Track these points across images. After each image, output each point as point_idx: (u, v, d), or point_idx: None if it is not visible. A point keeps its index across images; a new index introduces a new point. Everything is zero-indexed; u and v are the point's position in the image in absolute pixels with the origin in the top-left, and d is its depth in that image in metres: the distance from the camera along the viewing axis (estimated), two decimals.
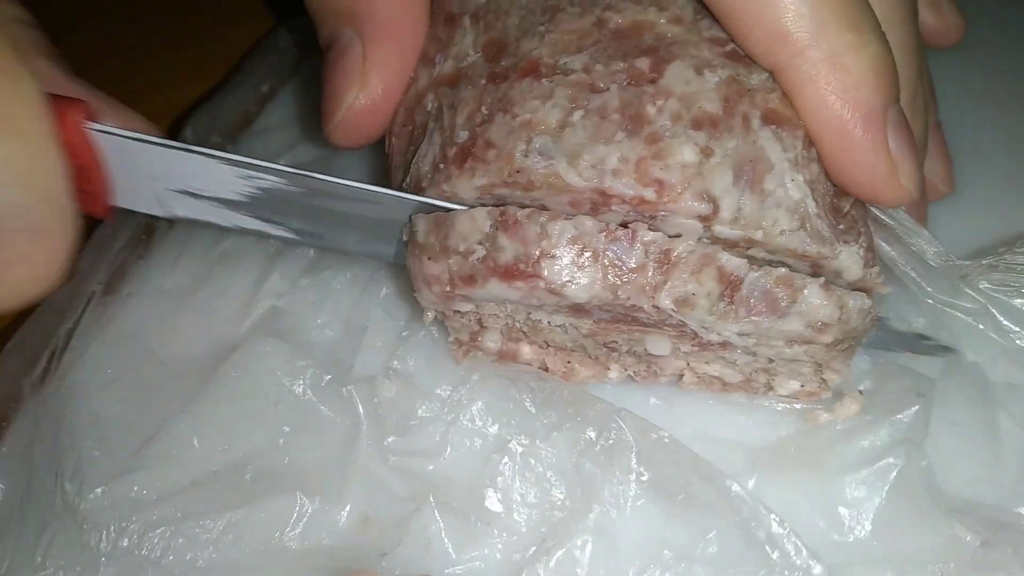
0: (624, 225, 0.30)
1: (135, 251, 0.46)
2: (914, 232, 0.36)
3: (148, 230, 0.47)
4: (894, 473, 0.33)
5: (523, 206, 0.32)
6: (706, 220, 0.30)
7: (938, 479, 0.34)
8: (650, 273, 0.30)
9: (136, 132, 0.33)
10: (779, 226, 0.30)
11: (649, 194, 0.29)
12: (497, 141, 0.31)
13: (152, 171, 0.33)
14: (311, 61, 0.56)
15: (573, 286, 0.30)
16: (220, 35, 0.64)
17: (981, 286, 0.37)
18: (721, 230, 0.30)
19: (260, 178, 0.34)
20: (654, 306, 0.30)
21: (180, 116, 0.57)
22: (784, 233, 0.30)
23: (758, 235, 0.30)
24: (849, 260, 0.31)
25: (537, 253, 0.30)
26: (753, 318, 0.30)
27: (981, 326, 0.37)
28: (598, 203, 0.31)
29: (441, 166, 0.32)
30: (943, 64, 0.46)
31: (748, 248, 0.31)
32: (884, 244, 0.37)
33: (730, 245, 0.31)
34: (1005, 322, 0.37)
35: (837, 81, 0.29)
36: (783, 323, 0.31)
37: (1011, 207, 0.45)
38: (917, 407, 0.34)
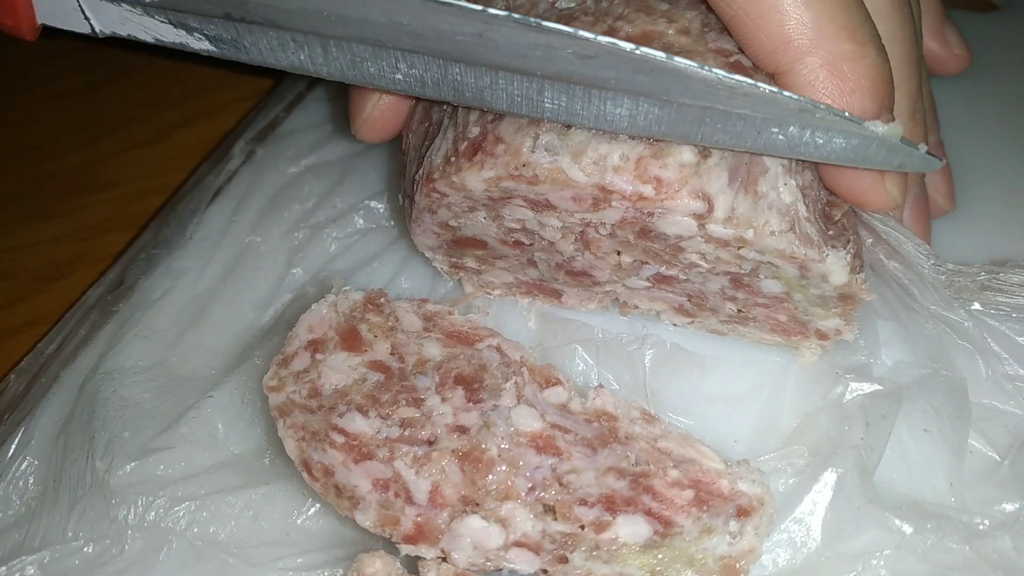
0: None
1: (169, 248, 0.48)
2: (906, 238, 0.37)
3: (182, 229, 0.49)
4: (834, 480, 0.34)
5: (528, 199, 0.33)
6: (701, 218, 0.31)
7: (890, 479, 0.35)
8: None
9: None
10: (769, 227, 0.31)
11: (648, 190, 0.31)
12: (506, 137, 0.32)
13: None
14: None
15: None
16: None
17: (973, 308, 0.38)
18: (714, 229, 0.32)
19: None
20: None
21: (224, 114, 0.60)
22: (774, 234, 0.31)
23: (749, 234, 0.31)
24: (836, 265, 0.32)
25: None
26: None
27: (970, 346, 0.38)
28: (599, 199, 0.32)
29: (452, 159, 0.34)
30: (945, 88, 0.47)
31: (739, 248, 0.32)
32: (883, 256, 0.38)
33: (722, 245, 0.33)
34: (995, 347, 0.38)
35: (834, 87, 0.31)
36: None
37: (1012, 226, 0.46)
38: (858, 417, 0.36)
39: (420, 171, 0.36)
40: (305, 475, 0.33)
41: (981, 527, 0.33)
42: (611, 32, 0.33)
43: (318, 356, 0.35)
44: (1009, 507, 0.35)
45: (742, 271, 0.34)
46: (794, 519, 0.34)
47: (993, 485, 0.35)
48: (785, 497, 0.34)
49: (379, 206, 0.49)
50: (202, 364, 0.42)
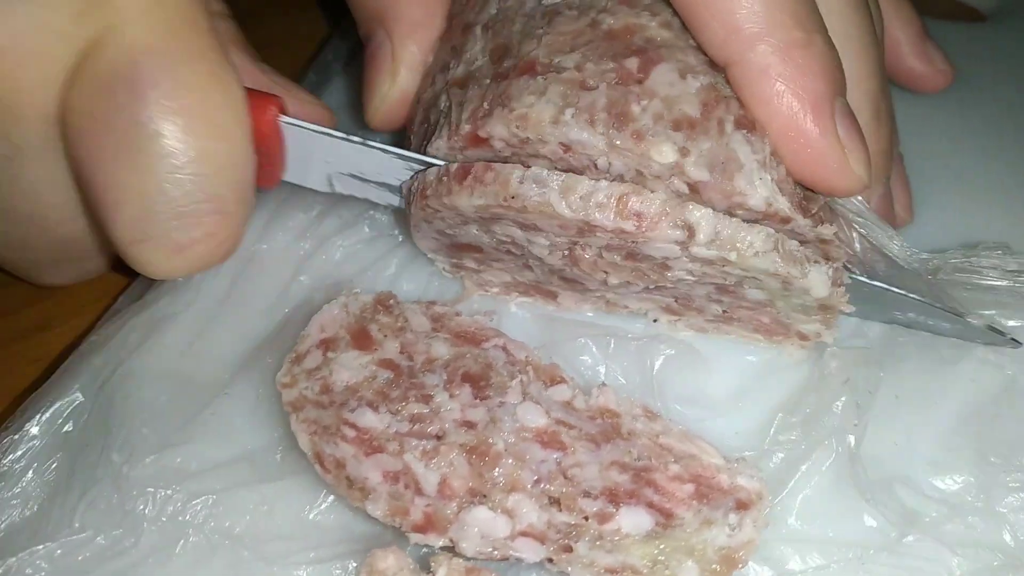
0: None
1: None
2: (881, 228, 0.38)
3: None
4: (827, 463, 0.36)
5: (516, 221, 0.35)
6: (683, 244, 0.33)
7: (869, 456, 0.36)
8: None
9: (320, 125, 0.35)
10: (753, 248, 0.33)
11: (628, 226, 0.33)
12: (496, 164, 0.34)
13: (328, 157, 0.36)
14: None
15: None
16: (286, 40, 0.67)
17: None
18: (698, 251, 0.33)
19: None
20: None
21: None
22: (757, 255, 0.33)
23: (732, 256, 0.33)
24: (817, 280, 0.34)
25: None
26: None
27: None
28: (584, 230, 0.34)
29: (444, 178, 0.35)
30: (935, 98, 0.49)
31: (724, 266, 0.34)
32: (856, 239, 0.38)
33: (707, 263, 0.34)
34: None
35: (786, 72, 0.32)
36: None
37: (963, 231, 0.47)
38: (844, 397, 0.37)
39: (415, 183, 0.37)
40: (318, 468, 0.34)
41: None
42: (594, 25, 0.34)
43: (329, 354, 0.37)
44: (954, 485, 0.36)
45: (727, 283, 0.36)
46: (791, 507, 0.35)
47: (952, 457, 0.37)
48: (777, 484, 0.36)
49: (383, 216, 0.50)
50: (215, 369, 0.43)
